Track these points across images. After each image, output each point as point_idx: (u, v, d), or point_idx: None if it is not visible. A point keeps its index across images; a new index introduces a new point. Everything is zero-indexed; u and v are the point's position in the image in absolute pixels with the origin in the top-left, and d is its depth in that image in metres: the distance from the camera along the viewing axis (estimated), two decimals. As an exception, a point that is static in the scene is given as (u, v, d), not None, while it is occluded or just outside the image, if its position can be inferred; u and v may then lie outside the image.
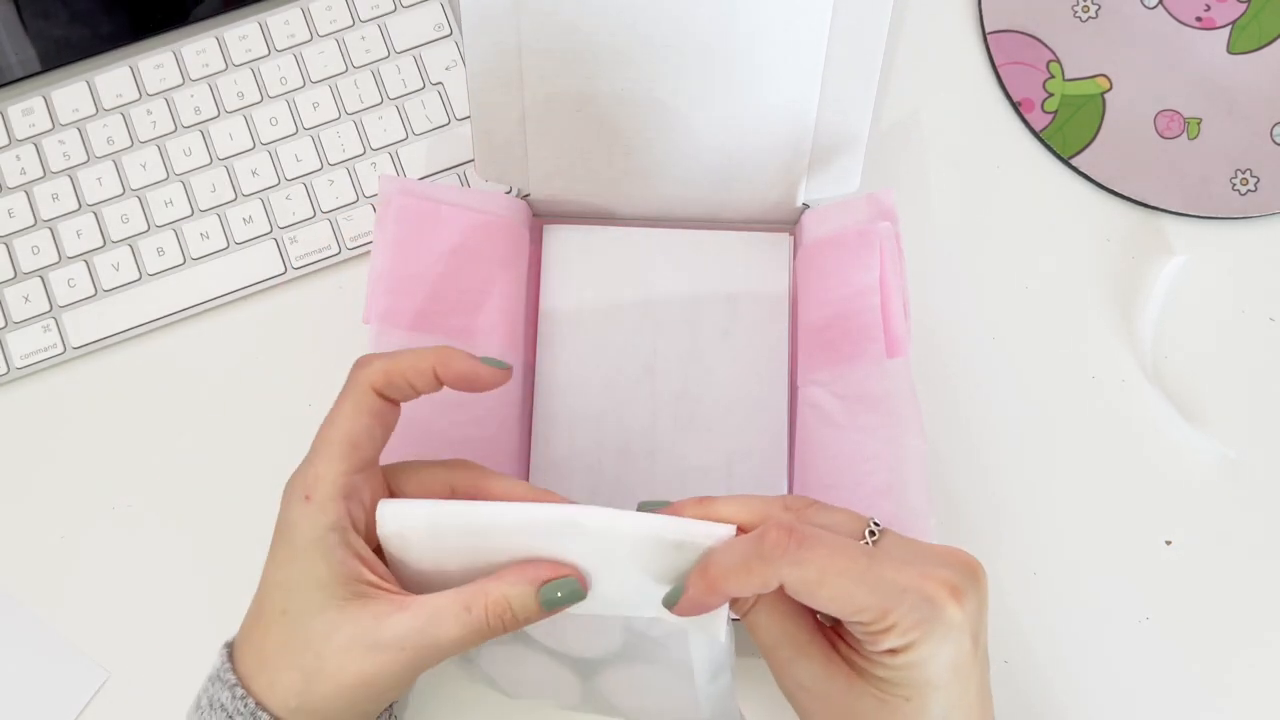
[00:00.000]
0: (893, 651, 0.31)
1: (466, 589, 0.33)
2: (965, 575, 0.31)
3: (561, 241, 0.47)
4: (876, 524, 0.32)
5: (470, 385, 0.35)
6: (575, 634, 0.36)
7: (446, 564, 0.34)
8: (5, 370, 0.49)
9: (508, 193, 0.46)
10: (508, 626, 0.33)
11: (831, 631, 0.34)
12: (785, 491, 0.45)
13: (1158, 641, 0.46)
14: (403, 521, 0.33)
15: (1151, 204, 0.50)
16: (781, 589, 0.31)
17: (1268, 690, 0.45)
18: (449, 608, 0.32)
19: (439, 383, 0.35)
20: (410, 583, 0.35)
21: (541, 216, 0.47)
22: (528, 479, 0.45)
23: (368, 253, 0.50)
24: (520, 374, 0.45)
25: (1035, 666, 0.46)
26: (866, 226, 0.42)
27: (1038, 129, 0.51)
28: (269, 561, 0.34)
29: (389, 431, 0.36)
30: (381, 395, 0.35)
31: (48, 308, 0.49)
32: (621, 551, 0.33)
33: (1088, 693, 0.46)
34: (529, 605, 0.33)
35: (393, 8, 0.52)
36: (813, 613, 0.34)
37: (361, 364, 0.35)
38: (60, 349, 0.49)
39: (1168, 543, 0.47)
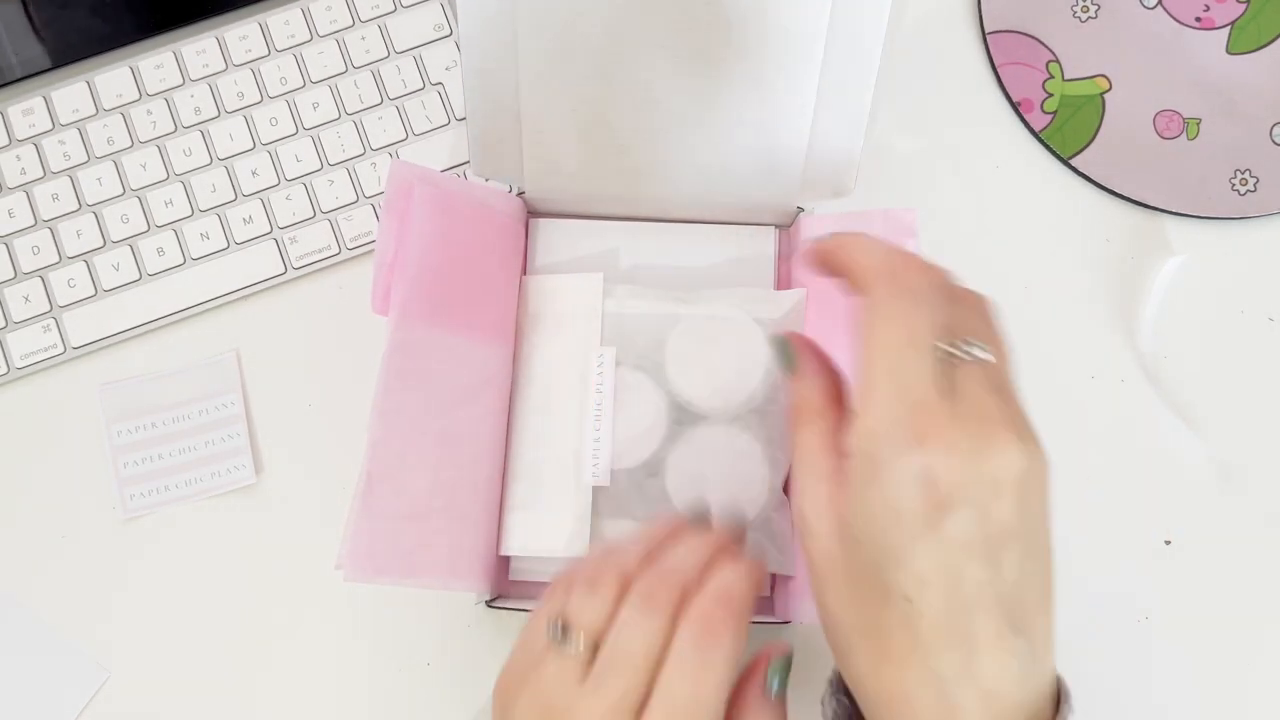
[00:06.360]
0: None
1: None
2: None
3: (548, 235, 0.47)
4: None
5: None
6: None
7: None
8: (5, 370, 0.49)
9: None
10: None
11: None
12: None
13: (1157, 641, 0.46)
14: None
15: (1151, 204, 0.50)
16: None
17: (1268, 690, 0.45)
18: None
19: None
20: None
21: (536, 214, 0.47)
22: (513, 476, 0.45)
23: (368, 253, 0.50)
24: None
25: (1035, 666, 0.45)
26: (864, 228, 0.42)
27: (1037, 129, 0.51)
28: None
29: None
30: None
31: (48, 308, 0.49)
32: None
33: (1087, 692, 0.45)
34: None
35: (393, 8, 0.52)
36: None
37: None
38: (60, 349, 0.49)
39: (1167, 542, 0.47)
